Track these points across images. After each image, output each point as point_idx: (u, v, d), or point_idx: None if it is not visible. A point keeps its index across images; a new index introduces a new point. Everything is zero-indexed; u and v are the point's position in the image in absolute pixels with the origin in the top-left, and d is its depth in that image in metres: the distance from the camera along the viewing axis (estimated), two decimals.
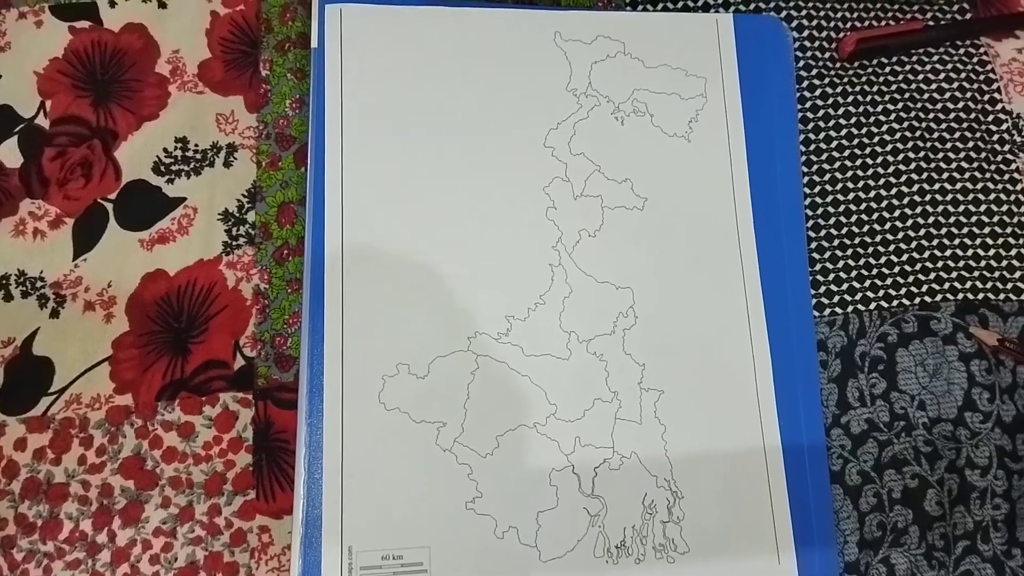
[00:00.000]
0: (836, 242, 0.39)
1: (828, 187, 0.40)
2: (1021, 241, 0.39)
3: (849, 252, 0.39)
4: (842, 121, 0.41)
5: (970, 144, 0.40)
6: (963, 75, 0.42)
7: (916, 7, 0.43)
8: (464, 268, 0.36)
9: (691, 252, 0.37)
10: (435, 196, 0.37)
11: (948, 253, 0.39)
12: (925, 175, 0.40)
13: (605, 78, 0.39)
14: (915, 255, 0.39)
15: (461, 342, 0.35)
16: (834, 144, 0.40)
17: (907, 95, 0.41)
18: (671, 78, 0.39)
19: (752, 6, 0.42)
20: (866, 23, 0.42)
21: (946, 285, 0.38)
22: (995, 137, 0.41)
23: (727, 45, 0.40)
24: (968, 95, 0.41)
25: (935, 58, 0.42)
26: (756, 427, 0.36)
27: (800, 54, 0.42)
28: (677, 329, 0.36)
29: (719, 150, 0.39)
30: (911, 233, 0.39)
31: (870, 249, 0.39)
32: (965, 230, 0.39)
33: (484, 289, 0.36)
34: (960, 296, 0.38)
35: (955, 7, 0.43)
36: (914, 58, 0.42)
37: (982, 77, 0.42)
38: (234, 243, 0.38)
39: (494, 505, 0.34)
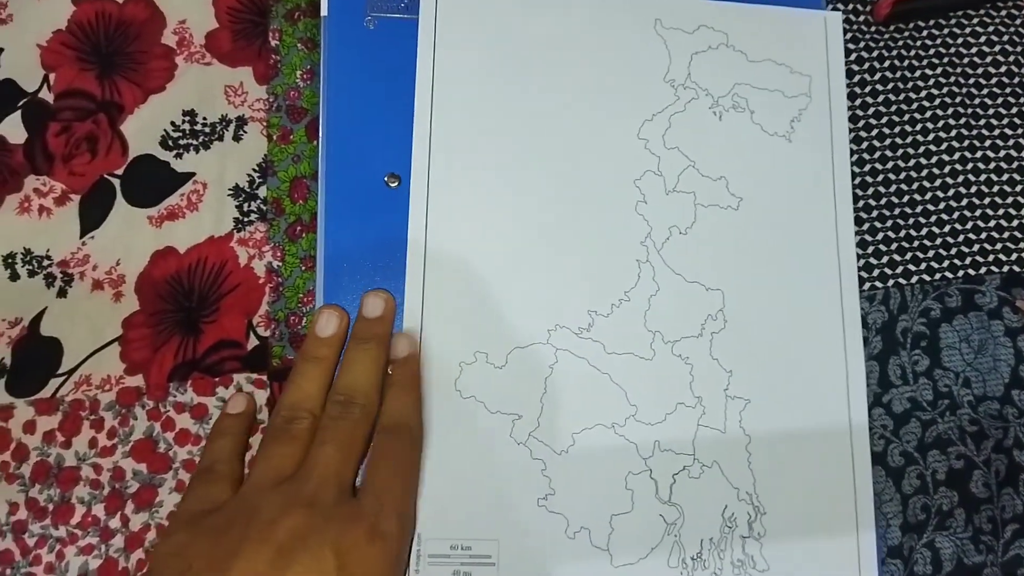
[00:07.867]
0: (875, 213, 0.37)
1: (865, 156, 0.38)
2: None
3: (889, 224, 0.37)
4: (879, 87, 0.39)
5: (1013, 110, 0.38)
6: (1005, 38, 0.40)
7: None
8: (547, 258, 0.34)
9: (787, 257, 0.35)
10: (520, 183, 0.35)
11: (992, 224, 0.37)
12: (966, 143, 0.38)
13: (705, 70, 0.37)
14: (957, 226, 0.37)
15: (541, 334, 0.34)
16: (871, 111, 0.38)
17: (946, 59, 0.39)
18: (775, 74, 0.37)
19: None
20: None
21: (990, 257, 0.36)
22: None
23: (835, 44, 0.38)
24: (1011, 59, 0.39)
25: (975, 21, 0.40)
26: (846, 449, 0.34)
27: None
28: (768, 337, 0.35)
29: (822, 153, 0.37)
30: (953, 203, 0.37)
31: (911, 220, 0.37)
32: (1010, 200, 0.37)
33: (567, 281, 0.34)
34: (1005, 268, 0.36)
35: None
36: (953, 21, 0.40)
37: None
38: (245, 219, 0.36)
39: (567, 504, 0.32)
